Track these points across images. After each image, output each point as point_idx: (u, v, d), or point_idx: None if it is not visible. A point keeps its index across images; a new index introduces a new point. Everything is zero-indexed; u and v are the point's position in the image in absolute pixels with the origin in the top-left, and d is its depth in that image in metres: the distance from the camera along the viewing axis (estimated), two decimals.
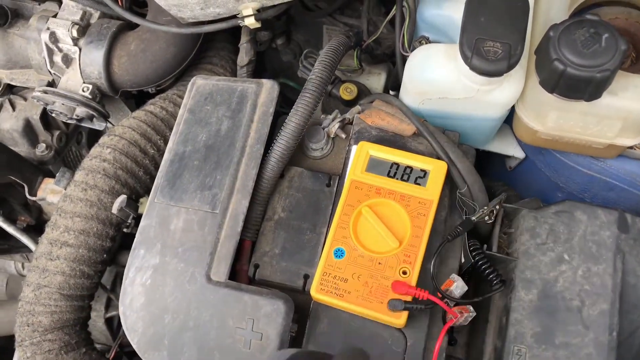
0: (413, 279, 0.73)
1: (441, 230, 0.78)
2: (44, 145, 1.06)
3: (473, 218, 0.76)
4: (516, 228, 0.81)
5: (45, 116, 1.06)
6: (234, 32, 1.15)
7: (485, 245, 0.80)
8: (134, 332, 0.74)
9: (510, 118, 0.87)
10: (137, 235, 0.78)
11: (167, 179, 0.80)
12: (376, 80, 1.06)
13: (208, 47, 1.06)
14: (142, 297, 0.75)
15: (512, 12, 0.71)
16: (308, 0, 1.15)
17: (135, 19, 0.90)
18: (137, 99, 1.14)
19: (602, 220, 0.76)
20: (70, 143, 1.13)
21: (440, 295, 0.72)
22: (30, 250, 1.13)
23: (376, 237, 0.75)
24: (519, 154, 0.93)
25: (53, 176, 1.07)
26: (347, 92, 0.97)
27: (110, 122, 1.01)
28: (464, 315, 0.73)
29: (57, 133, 1.08)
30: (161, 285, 0.75)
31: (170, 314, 0.73)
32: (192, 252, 0.75)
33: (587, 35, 0.68)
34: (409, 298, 0.71)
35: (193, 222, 0.77)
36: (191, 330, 0.72)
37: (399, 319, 0.71)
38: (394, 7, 0.92)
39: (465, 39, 0.70)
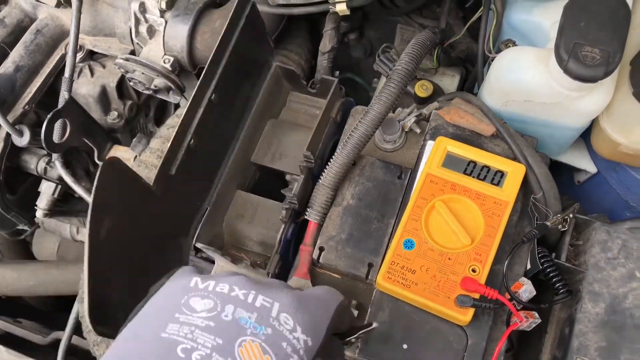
0: (482, 277, 0.72)
1: (511, 234, 0.77)
2: (115, 113, 1.09)
3: (548, 223, 0.75)
4: (586, 240, 0.80)
5: (121, 85, 1.08)
6: (312, 22, 1.17)
7: (553, 254, 0.79)
8: None
9: (585, 132, 0.86)
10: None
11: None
12: (449, 82, 1.06)
13: (286, 33, 1.08)
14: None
15: (614, 20, 0.70)
16: None
17: None
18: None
19: None
20: (139, 115, 1.15)
21: (508, 297, 0.71)
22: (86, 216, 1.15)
23: (448, 233, 0.75)
24: (591, 168, 0.92)
25: (120, 143, 1.09)
26: (422, 89, 0.97)
27: (184, 97, 1.03)
28: (529, 321, 0.72)
29: (129, 103, 1.11)
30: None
31: None
32: None
33: None
34: (476, 296, 0.71)
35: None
36: None
37: (465, 315, 0.70)
38: (480, 9, 0.92)
39: (563, 42, 0.69)
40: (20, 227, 1.10)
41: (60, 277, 1.09)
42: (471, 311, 0.71)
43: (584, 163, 0.92)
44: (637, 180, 0.86)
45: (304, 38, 1.11)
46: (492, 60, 0.84)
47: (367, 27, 1.23)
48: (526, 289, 0.73)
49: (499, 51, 0.84)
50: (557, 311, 0.79)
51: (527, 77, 0.77)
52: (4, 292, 1.13)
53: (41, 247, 1.30)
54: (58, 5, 1.02)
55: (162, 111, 1.24)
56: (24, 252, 1.36)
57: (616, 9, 0.71)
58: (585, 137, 0.89)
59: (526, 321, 0.72)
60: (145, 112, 1.18)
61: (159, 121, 1.22)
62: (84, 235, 1.22)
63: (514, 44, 0.84)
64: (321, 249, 0.80)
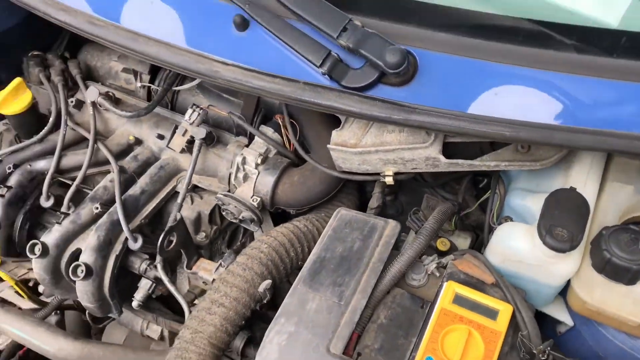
0: None
1: None
2: (204, 233, 1.41)
3: (534, 351, 1.01)
4: None
5: (212, 213, 1.41)
6: (360, 183, 1.52)
7: None
8: None
9: (564, 291, 1.15)
10: (280, 308, 1.07)
11: (310, 273, 1.10)
12: (463, 242, 1.37)
13: (340, 189, 1.43)
14: (276, 354, 1.02)
15: (578, 212, 1.03)
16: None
17: (305, 157, 1.29)
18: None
19: None
20: (219, 238, 1.47)
21: None
22: (162, 315, 1.43)
23: (458, 353, 1.01)
24: (569, 321, 1.19)
25: (203, 257, 1.40)
26: (442, 244, 1.28)
27: (260, 228, 1.35)
28: None
29: (214, 227, 1.43)
30: (292, 348, 1.02)
31: None
32: (319, 328, 1.03)
33: (630, 238, 0.98)
34: None
35: (323, 307, 1.05)
36: None
37: None
38: (488, 192, 1.27)
39: (543, 223, 1.01)
40: (112, 314, 1.37)
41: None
42: None
43: (563, 316, 1.19)
44: (602, 334, 1.12)
45: (354, 195, 1.46)
46: (495, 230, 1.16)
47: (401, 193, 1.58)
48: None
49: (500, 224, 1.17)
50: None
51: (518, 245, 1.08)
52: None
53: (110, 335, 1.55)
54: (182, 151, 1.40)
55: (233, 237, 1.55)
56: (85, 333, 1.60)
57: (580, 205, 1.04)
58: (565, 295, 1.17)
59: None
60: (223, 236, 1.50)
61: (230, 244, 1.53)
62: (152, 331, 1.47)
63: (511, 220, 1.17)
64: (358, 354, 1.06)
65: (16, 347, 1.50)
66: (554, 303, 1.20)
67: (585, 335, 1.17)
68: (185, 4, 1.19)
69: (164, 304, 1.52)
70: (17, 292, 1.51)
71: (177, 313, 1.48)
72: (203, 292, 1.39)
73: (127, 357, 1.32)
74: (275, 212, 1.43)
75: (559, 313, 1.19)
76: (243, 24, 1.14)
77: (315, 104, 1.07)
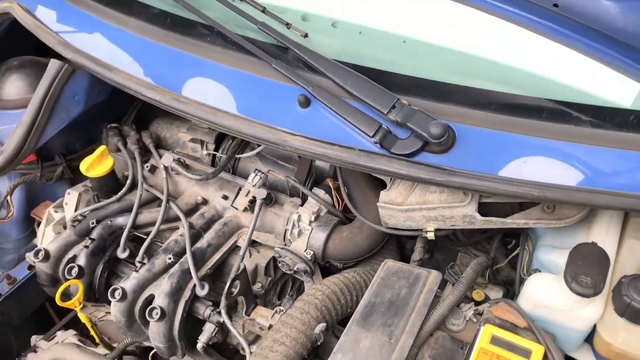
0: None
1: None
2: (260, 284, 1.57)
3: None
4: None
5: (267, 266, 1.58)
6: (400, 241, 1.69)
7: None
8: None
9: (591, 338, 1.27)
10: (337, 344, 1.21)
11: (362, 315, 1.25)
12: (495, 295, 1.51)
13: (383, 246, 1.59)
14: None
15: (599, 263, 1.18)
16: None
17: (356, 213, 1.47)
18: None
19: None
20: (271, 289, 1.63)
21: None
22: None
23: None
24: None
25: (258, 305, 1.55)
26: (478, 295, 1.43)
27: (312, 279, 1.51)
28: None
29: (269, 279, 1.60)
30: None
31: None
32: None
33: None
34: None
35: (375, 344, 1.20)
36: None
37: None
38: (518, 249, 1.43)
39: (569, 272, 1.17)
40: (176, 355, 1.51)
41: None
42: None
43: None
44: None
45: (395, 252, 1.62)
46: (525, 281, 1.31)
47: (437, 251, 1.74)
48: None
49: (529, 275, 1.32)
50: None
51: (547, 292, 1.22)
52: None
53: None
54: (244, 210, 1.59)
55: (282, 290, 1.71)
56: None
57: (601, 257, 1.19)
58: (590, 342, 1.30)
59: None
60: (274, 288, 1.66)
61: (280, 296, 1.69)
62: (254, 355, 1.59)
63: (539, 271, 1.32)
64: None
65: None
66: (581, 349, 1.32)
67: None
68: (257, 86, 1.42)
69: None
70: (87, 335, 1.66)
71: None
72: (257, 338, 1.53)
73: None
74: (322, 267, 1.60)
75: (586, 357, 1.31)
76: (306, 102, 1.36)
77: (369, 167, 1.26)
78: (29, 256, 1.67)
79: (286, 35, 1.43)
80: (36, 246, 1.72)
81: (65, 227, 1.76)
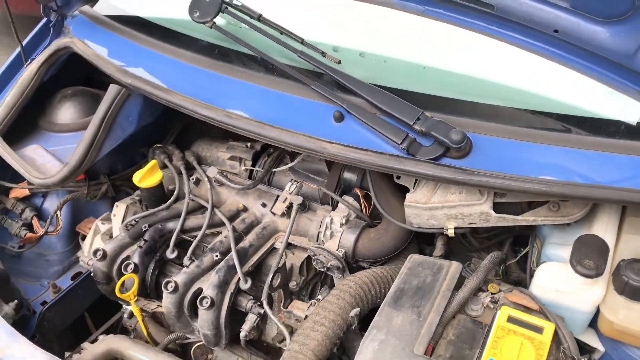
0: None
1: None
2: (294, 282, 1.74)
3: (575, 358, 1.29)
4: None
5: (301, 266, 1.76)
6: (419, 245, 1.87)
7: None
8: None
9: (594, 322, 1.44)
10: (372, 323, 1.37)
11: (393, 298, 1.42)
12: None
13: (405, 248, 1.77)
14: (370, 354, 1.31)
15: (600, 250, 1.36)
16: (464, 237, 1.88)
17: (384, 213, 1.66)
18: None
19: None
20: (304, 288, 1.80)
21: None
22: (254, 353, 1.72)
23: (514, 357, 1.29)
24: (600, 347, 1.46)
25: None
26: (492, 288, 1.59)
27: (343, 276, 1.69)
28: None
29: (302, 278, 1.77)
30: (384, 351, 1.31)
31: None
32: (404, 336, 1.33)
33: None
34: None
35: (406, 321, 1.36)
36: None
37: None
38: (527, 247, 1.61)
39: (573, 257, 1.35)
40: (219, 345, 1.66)
41: None
42: None
43: (595, 343, 1.46)
44: (629, 356, 1.40)
45: (415, 249, 1.80)
46: (536, 270, 1.48)
47: (452, 256, 1.91)
48: None
49: (539, 266, 1.49)
50: None
51: (555, 277, 1.40)
52: None
53: None
54: (282, 215, 1.78)
55: (313, 289, 1.87)
56: None
57: (601, 246, 1.38)
58: (595, 327, 1.46)
59: None
60: (307, 287, 1.83)
61: (311, 295, 1.85)
62: (297, 334, 1.73)
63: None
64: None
65: None
66: (586, 333, 1.48)
67: (615, 358, 1.44)
68: (297, 105, 1.64)
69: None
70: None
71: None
72: (292, 331, 1.69)
73: None
74: (350, 269, 1.77)
75: (591, 340, 1.47)
76: (340, 117, 1.57)
77: (398, 169, 1.47)
78: (83, 259, 1.85)
79: (323, 62, 1.66)
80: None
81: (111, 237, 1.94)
